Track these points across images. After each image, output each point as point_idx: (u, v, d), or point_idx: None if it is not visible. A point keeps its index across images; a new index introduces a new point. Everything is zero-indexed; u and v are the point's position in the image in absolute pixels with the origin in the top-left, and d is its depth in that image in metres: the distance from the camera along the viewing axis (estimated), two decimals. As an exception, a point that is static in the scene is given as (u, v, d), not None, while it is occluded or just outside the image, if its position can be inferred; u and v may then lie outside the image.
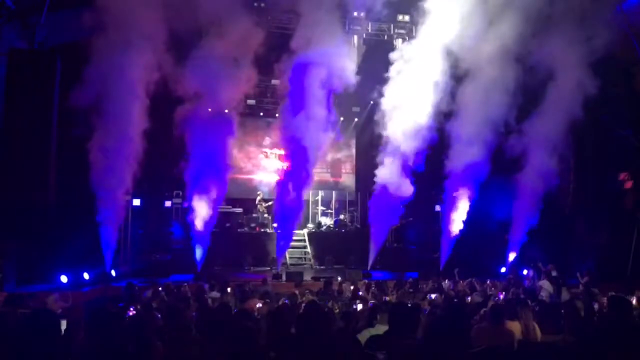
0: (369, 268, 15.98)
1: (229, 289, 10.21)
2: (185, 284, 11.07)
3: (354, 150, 20.62)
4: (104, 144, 12.72)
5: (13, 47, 13.24)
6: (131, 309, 6.90)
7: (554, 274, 12.23)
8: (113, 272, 13.37)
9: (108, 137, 12.75)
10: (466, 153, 15.34)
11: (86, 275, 12.59)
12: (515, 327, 5.38)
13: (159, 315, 5.08)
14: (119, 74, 12.56)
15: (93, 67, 12.23)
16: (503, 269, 15.09)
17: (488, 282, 12.14)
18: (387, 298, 8.65)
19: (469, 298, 9.32)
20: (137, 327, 3.93)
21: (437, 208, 18.15)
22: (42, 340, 3.25)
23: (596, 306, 7.51)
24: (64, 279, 12.20)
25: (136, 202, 14.99)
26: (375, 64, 15.75)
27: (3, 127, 12.96)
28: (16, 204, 12.37)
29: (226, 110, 18.48)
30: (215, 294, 9.72)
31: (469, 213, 16.30)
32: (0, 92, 13.12)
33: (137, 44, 12.63)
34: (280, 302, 8.23)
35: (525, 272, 13.20)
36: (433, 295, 9.51)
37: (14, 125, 12.75)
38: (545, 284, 11.21)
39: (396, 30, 15.81)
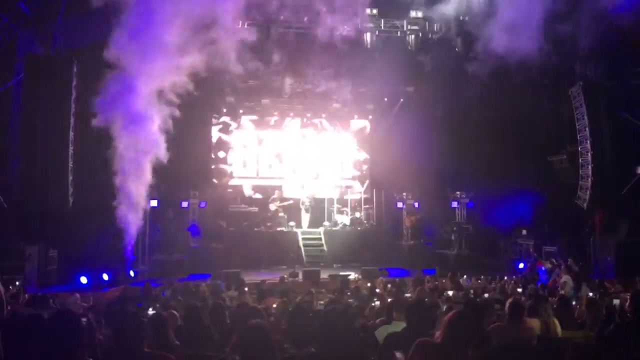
0: (385, 266, 15.93)
1: (246, 288, 10.26)
2: (203, 283, 11.13)
3: (368, 147, 20.57)
4: (121, 147, 12.84)
5: (30, 52, 13.44)
6: (150, 309, 6.97)
7: (574, 269, 12.10)
8: (132, 273, 13.50)
9: (126, 140, 12.87)
10: (482, 149, 15.28)
11: (105, 276, 12.73)
12: (534, 323, 5.32)
13: (177, 315, 5.12)
14: (136, 76, 12.65)
15: (110, 70, 12.35)
16: (521, 265, 14.97)
17: (505, 278, 12.04)
18: (408, 294, 8.60)
19: (487, 295, 9.25)
20: (156, 327, 3.97)
21: (454, 205, 18.10)
22: (64, 340, 3.30)
23: (617, 302, 7.41)
24: (83, 280, 12.36)
25: (153, 203, 15.09)
26: (389, 61, 15.70)
27: (22, 132, 13.16)
28: (36, 208, 12.56)
29: (241, 111, 18.70)
30: (233, 292, 9.76)
31: (486, 209, 16.21)
32: (19, 97, 13.33)
33: (154, 45, 12.70)
34: (297, 300, 8.25)
35: (545, 265, 13.08)
36: (450, 292, 9.46)
37: (33, 129, 12.93)
38: (568, 279, 11.07)
39: (409, 27, 15.74)
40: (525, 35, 14.98)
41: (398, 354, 4.12)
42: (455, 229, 17.48)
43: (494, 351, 4.26)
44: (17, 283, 10.80)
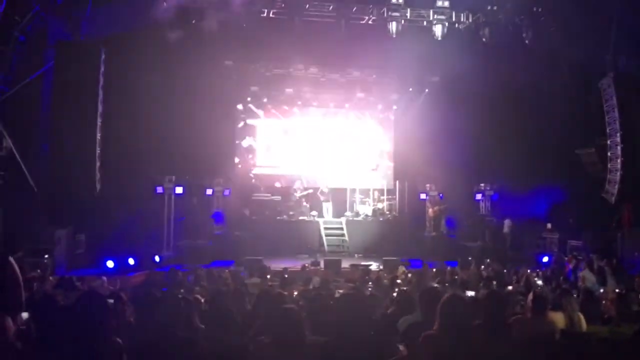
0: (407, 257, 15.88)
1: (268, 276, 10.36)
2: (227, 269, 11.27)
3: (391, 137, 20.45)
4: (147, 134, 13.03)
5: (59, 39, 13.68)
6: (175, 293, 7.09)
7: (598, 264, 11.90)
8: (157, 258, 13.73)
9: (151, 127, 13.05)
10: (509, 141, 15.09)
11: (131, 261, 12.96)
12: (558, 317, 5.25)
13: (202, 300, 5.23)
14: (163, 63, 12.80)
15: (137, 57, 12.51)
16: (545, 259, 14.79)
17: (528, 271, 11.91)
18: (435, 284, 8.55)
19: (510, 287, 9.18)
20: (182, 311, 4.06)
21: (478, 197, 17.95)
22: (91, 321, 3.39)
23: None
24: (110, 264, 12.61)
25: (179, 189, 15.35)
26: (414, 51, 15.56)
27: (51, 118, 13.44)
28: (65, 193, 12.84)
29: (265, 100, 18.74)
30: (256, 279, 9.87)
31: (510, 202, 16.05)
32: (49, 83, 13.61)
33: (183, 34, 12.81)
34: (312, 286, 8.30)
35: (571, 263, 12.91)
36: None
37: (62, 115, 13.20)
38: (587, 273, 10.90)
39: (435, 16, 15.53)
40: (555, 25, 14.74)
41: (401, 347, 4.10)
42: (479, 220, 17.36)
43: (516, 344, 4.24)
44: (45, 258, 11.10)
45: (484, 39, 15.42)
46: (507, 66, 15.71)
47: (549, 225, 16.22)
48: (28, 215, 12.71)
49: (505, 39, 15.41)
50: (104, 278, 8.94)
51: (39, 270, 10.16)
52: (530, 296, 5.42)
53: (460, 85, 16.52)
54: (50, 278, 9.52)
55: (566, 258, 13.13)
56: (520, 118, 16.44)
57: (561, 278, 10.89)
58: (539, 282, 10.11)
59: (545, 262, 14.37)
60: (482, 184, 17.97)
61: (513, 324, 4.99)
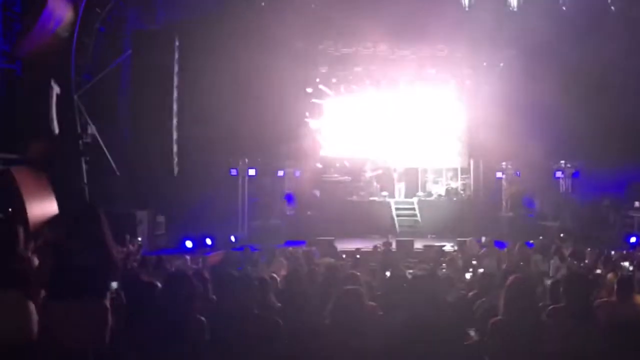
0: (482, 237, 15.49)
1: (344, 255, 10.44)
2: (300, 249, 11.45)
3: (465, 115, 19.85)
4: (221, 117, 13.39)
5: (136, 28, 14.26)
6: (249, 272, 7.30)
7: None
8: (232, 238, 14.17)
9: (224, 111, 13.39)
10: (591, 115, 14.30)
11: (208, 241, 13.44)
12: (646, 302, 4.99)
13: (278, 279, 5.35)
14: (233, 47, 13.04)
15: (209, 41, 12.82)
16: (633, 239, 13.97)
17: (612, 252, 11.30)
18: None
19: (599, 270, 8.75)
20: (259, 290, 4.17)
21: (558, 174, 17.15)
22: (180, 300, 3.56)
23: None
24: (188, 244, 13.13)
25: (251, 171, 15.76)
26: (488, 23, 14.97)
27: (131, 104, 14.09)
28: (145, 176, 13.49)
29: (334, 80, 18.69)
30: (328, 259, 9.97)
31: (594, 179, 15.23)
32: (127, 71, 14.25)
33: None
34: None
35: None
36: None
37: (141, 101, 13.80)
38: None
39: (508, -12, 14.85)
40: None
41: (472, 332, 4.02)
42: (560, 199, 16.61)
43: (603, 328, 4.06)
44: (139, 239, 11.73)
45: (563, 8, 14.58)
46: (589, 36, 14.75)
47: (637, 204, 15.29)
48: (111, 198, 13.46)
49: (588, 6, 14.48)
50: (187, 257, 9.33)
51: (126, 249, 10.73)
52: (616, 279, 5.19)
53: (538, 58, 15.74)
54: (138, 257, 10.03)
55: None
56: (604, 91, 15.46)
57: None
58: (626, 264, 9.57)
59: (633, 243, 13.58)
60: (563, 162, 17.14)
61: (598, 307, 4.78)
